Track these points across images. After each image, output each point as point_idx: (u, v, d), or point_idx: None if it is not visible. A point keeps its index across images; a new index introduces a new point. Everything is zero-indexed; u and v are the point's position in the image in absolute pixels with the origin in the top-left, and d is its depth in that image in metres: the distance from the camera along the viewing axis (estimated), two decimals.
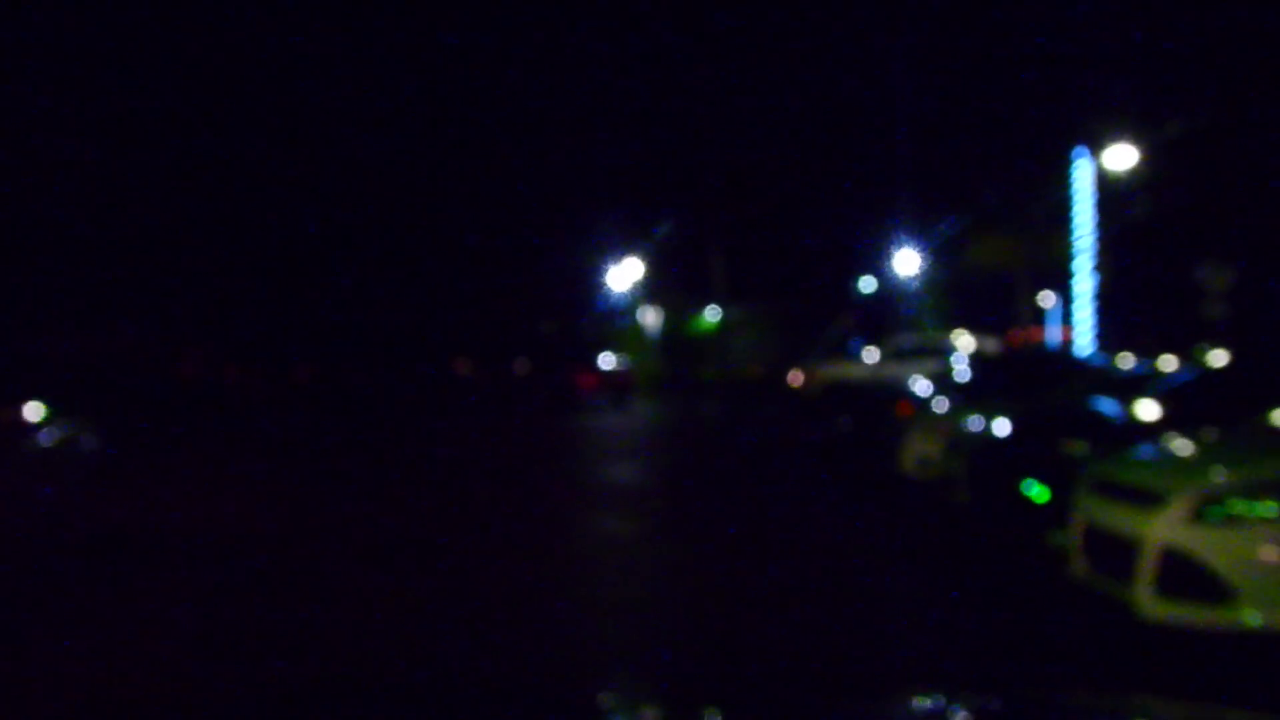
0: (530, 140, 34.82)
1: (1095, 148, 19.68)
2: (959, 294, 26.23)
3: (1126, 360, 14.26)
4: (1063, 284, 22.70)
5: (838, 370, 22.53)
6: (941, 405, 12.12)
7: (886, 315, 30.48)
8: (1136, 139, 19.48)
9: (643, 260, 33.97)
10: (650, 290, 36.02)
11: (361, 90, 31.05)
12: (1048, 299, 36.09)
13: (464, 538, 8.14)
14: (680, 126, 33.39)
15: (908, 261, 26.57)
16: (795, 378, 22.47)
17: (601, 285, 34.32)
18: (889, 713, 2.13)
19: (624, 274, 33.53)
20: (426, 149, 32.24)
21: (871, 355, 22.56)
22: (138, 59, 26.86)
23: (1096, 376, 11.38)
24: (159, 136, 27.00)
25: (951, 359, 22.25)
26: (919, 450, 10.58)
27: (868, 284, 33.64)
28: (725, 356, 34.63)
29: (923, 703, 2.23)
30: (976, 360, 18.53)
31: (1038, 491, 7.02)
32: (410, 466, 13.20)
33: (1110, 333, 20.56)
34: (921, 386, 15.37)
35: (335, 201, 27.11)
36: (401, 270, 29.47)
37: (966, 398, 12.61)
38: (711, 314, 47.08)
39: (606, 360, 26.78)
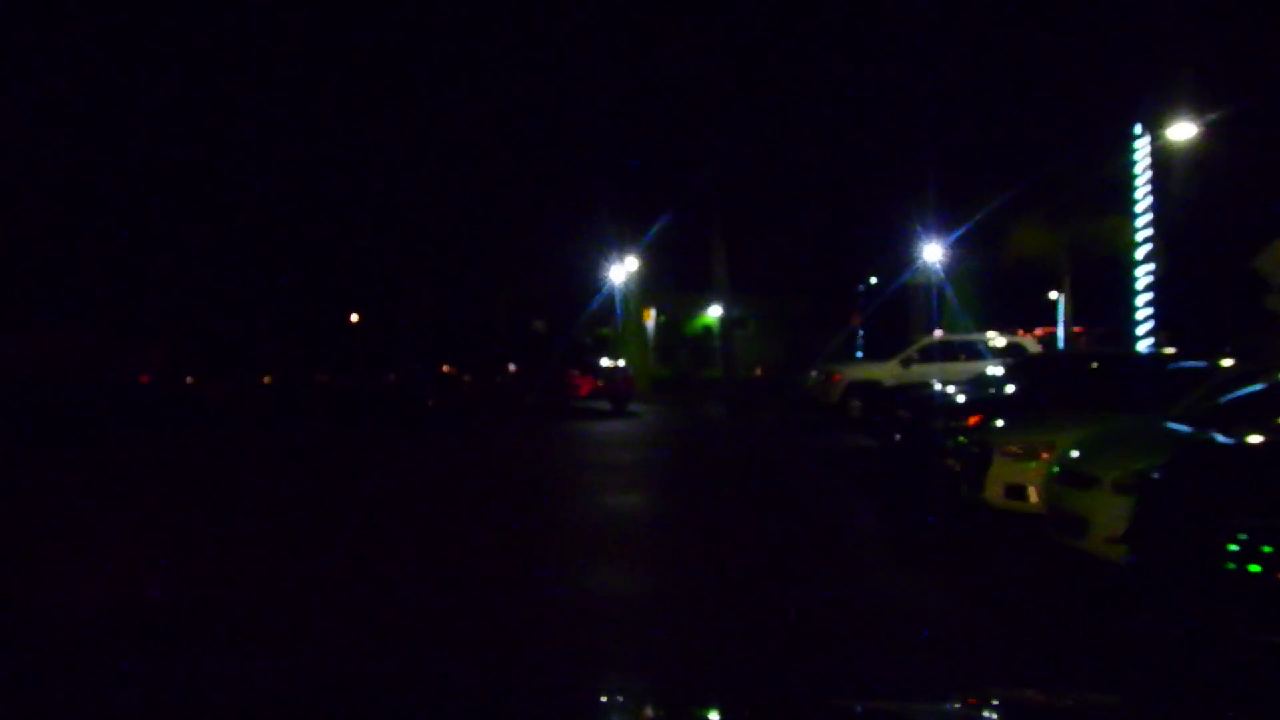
0: (520, 129, 32.51)
1: (1153, 125, 17.60)
2: (991, 288, 24.13)
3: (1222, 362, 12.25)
4: (1111, 274, 20.66)
5: (861, 372, 20.52)
6: (1018, 417, 10.08)
7: (909, 312, 28.46)
8: (1196, 115, 17.46)
9: (640, 254, 31.74)
10: (649, 286, 33.84)
11: (335, 75, 28.89)
12: (1059, 294, 34.26)
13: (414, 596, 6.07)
14: (681, 109, 30.99)
15: (934, 254, 24.46)
16: (826, 380, 20.37)
17: (597, 281, 32.09)
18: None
19: (621, 269, 31.31)
20: (409, 136, 30.00)
21: (898, 355, 20.49)
22: (91, 51, 24.77)
23: (1218, 382, 9.31)
24: (114, 131, 24.87)
25: (989, 360, 20.31)
26: (1013, 476, 8.51)
27: (885, 279, 31.58)
28: (729, 356, 32.57)
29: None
30: (1029, 362, 16.48)
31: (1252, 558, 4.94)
32: (375, 493, 11.07)
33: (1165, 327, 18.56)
34: (976, 391, 13.39)
35: (306, 194, 24.93)
36: (377, 265, 27.19)
37: (1043, 409, 10.62)
38: (714, 311, 45.06)
39: (604, 360, 24.60)
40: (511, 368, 23.42)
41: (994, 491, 8.64)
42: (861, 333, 45.59)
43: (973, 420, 10.54)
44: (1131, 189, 18.26)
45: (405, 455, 14.91)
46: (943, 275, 24.46)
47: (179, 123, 25.95)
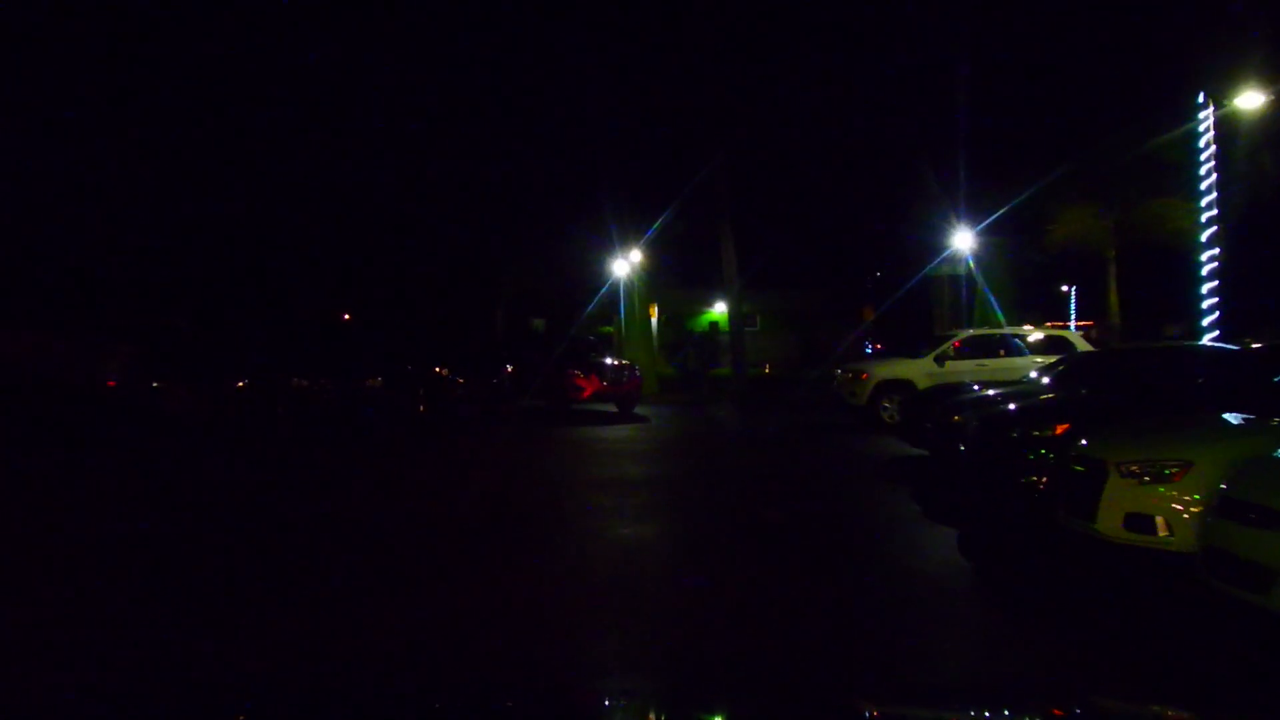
0: (520, 119, 30.67)
1: (1218, 93, 15.79)
2: (1032, 278, 22.29)
3: None
4: (1166, 259, 18.90)
5: (892, 370, 18.74)
6: (1129, 427, 8.28)
7: (932, 305, 26.64)
8: (1267, 83, 15.66)
9: (644, 247, 29.90)
10: (653, 281, 32.02)
11: (321, 59, 27.09)
12: (1067, 287, 32.35)
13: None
14: (685, 97, 29.15)
15: (964, 241, 22.60)
16: (853, 379, 18.59)
17: (600, 276, 30.24)
18: None
19: (625, 263, 29.49)
20: (401, 124, 28.18)
21: (931, 351, 18.70)
22: (56, 48, 23.04)
23: None
24: (79, 127, 23.12)
25: (1031, 356, 18.53)
26: (1137, 503, 6.72)
27: (903, 271, 29.71)
28: (740, 353, 30.75)
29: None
30: (1094, 359, 14.68)
31: None
32: (344, 518, 9.30)
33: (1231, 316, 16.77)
34: (1039, 392, 11.61)
35: (287, 185, 23.13)
36: (364, 261, 25.34)
37: (1160, 415, 8.82)
38: (719, 308, 43.23)
39: (609, 359, 22.81)
40: (508, 368, 21.62)
41: (1110, 521, 6.84)
42: (864, 328, 44.10)
43: (1060, 428, 8.76)
44: (1194, 165, 16.47)
45: (383, 470, 13.12)
46: (973, 265, 22.58)
47: (147, 116, 24.21)
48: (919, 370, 18.32)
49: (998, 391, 12.04)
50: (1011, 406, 9.99)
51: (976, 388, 13.34)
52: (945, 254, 23.30)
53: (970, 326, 22.69)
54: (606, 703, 2.41)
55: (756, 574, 7.05)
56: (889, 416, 18.11)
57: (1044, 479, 8.57)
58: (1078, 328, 30.41)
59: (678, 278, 38.36)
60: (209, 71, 25.41)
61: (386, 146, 26.21)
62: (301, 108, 26.45)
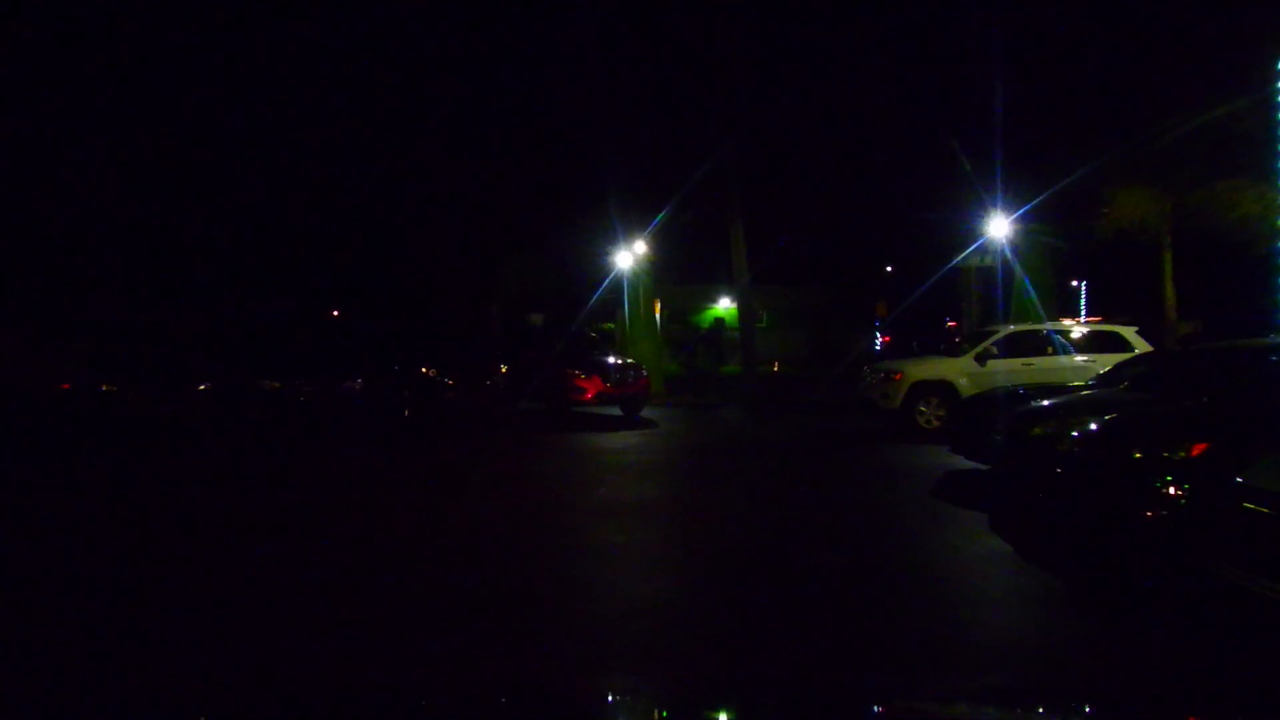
0: (517, 104, 28.73)
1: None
2: (1078, 267, 20.34)
3: None
4: (1221, 248, 17.01)
5: (928, 369, 16.90)
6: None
7: (959, 299, 24.73)
8: None
9: (650, 239, 27.96)
10: (658, 275, 30.11)
11: (304, 44, 25.17)
12: (1079, 283, 30.39)
13: None
14: (690, 77, 27.27)
15: (1000, 229, 20.65)
16: (884, 380, 16.71)
17: (602, 269, 28.28)
18: None
19: (629, 254, 27.58)
20: (387, 108, 26.26)
21: (972, 349, 16.83)
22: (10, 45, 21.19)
23: None
24: (35, 117, 21.25)
25: (1087, 355, 16.69)
26: None
27: (923, 263, 27.79)
28: (750, 351, 28.87)
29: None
30: (1191, 361, 12.77)
31: None
32: (308, 544, 7.43)
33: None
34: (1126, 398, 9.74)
35: (259, 171, 21.23)
36: (345, 253, 23.41)
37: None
38: (724, 303, 41.34)
39: (612, 358, 20.94)
40: (503, 368, 19.75)
41: None
42: (881, 325, 42.23)
43: (1196, 448, 6.90)
44: (1270, 140, 14.59)
45: (341, 487, 11.24)
46: (1009, 254, 20.62)
47: (116, 103, 22.32)
48: (958, 370, 16.47)
49: (1078, 398, 10.18)
50: (1120, 419, 8.07)
51: (1082, 394, 11.53)
52: (979, 242, 21.33)
53: (1004, 322, 20.81)
54: None
55: (815, 657, 5.18)
56: (926, 421, 16.29)
57: (1178, 513, 6.72)
58: (1086, 323, 28.65)
59: (680, 273, 36.46)
60: (187, 58, 23.59)
61: (374, 131, 24.30)
62: (282, 89, 24.57)
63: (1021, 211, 19.66)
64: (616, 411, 19.83)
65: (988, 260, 23.53)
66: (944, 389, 16.35)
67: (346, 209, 24.40)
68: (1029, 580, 6.66)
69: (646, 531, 8.53)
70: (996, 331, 17.02)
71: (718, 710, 2.36)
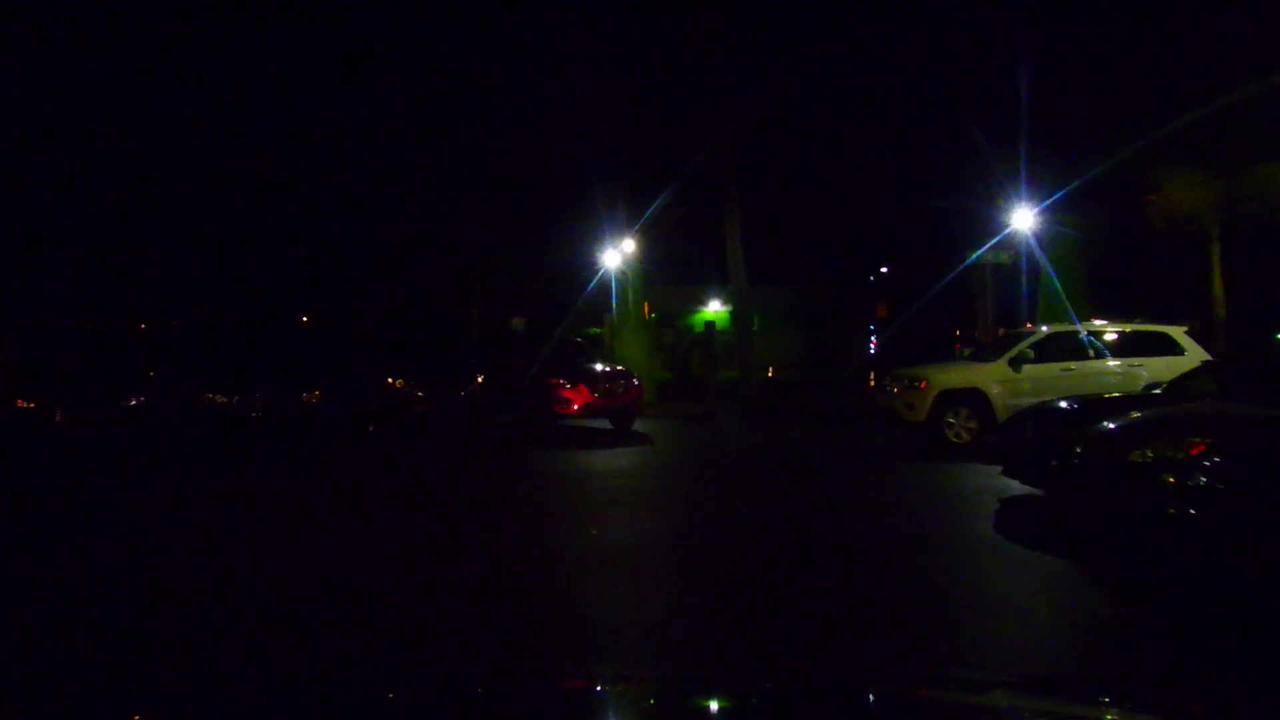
0: (500, 87, 26.78)
1: None
2: (1103, 265, 18.53)
3: None
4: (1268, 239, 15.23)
5: (957, 377, 15.11)
6: None
7: (975, 299, 22.92)
8: None
9: (639, 237, 26.02)
10: (647, 276, 28.21)
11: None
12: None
13: None
14: (689, 56, 25.45)
15: (1024, 221, 18.80)
16: (907, 388, 14.85)
17: (589, 269, 26.33)
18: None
19: (617, 253, 25.66)
20: (353, 94, 24.27)
21: (1006, 354, 14.99)
22: None
23: None
24: None
25: (1122, 360, 14.92)
26: None
27: (929, 262, 26.03)
28: (747, 356, 27.07)
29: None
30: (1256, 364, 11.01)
31: None
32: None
33: None
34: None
35: (205, 161, 19.23)
36: (303, 252, 21.36)
37: None
38: (713, 306, 39.45)
39: (600, 365, 19.06)
40: (479, 378, 17.85)
41: None
42: (872, 327, 40.46)
43: None
44: None
45: (268, 518, 9.30)
46: (1036, 248, 18.78)
47: (47, 90, 20.31)
48: (990, 377, 14.64)
49: (1177, 412, 8.35)
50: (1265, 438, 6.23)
51: (1118, 406, 9.74)
52: (1004, 234, 19.48)
53: (1030, 322, 19.04)
54: None
55: None
56: (955, 435, 14.45)
57: None
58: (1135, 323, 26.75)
59: (669, 274, 34.55)
60: (142, 45, 21.62)
61: (338, 113, 22.26)
62: (243, 74, 22.59)
63: (1050, 201, 17.82)
64: (606, 425, 17.97)
65: (1004, 257, 21.77)
66: (975, 398, 14.52)
67: (309, 201, 22.36)
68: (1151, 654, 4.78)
69: (658, 591, 6.64)
70: (1033, 333, 15.19)
71: None
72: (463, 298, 26.07)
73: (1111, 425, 8.21)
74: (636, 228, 25.50)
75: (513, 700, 2.02)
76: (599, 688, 2.27)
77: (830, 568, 7.41)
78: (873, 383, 26.59)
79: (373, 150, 22.36)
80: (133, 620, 6.07)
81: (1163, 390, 10.86)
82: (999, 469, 11.95)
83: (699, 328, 35.73)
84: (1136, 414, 8.55)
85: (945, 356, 20.52)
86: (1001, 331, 17.58)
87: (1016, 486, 10.10)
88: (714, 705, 2.12)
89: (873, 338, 40.42)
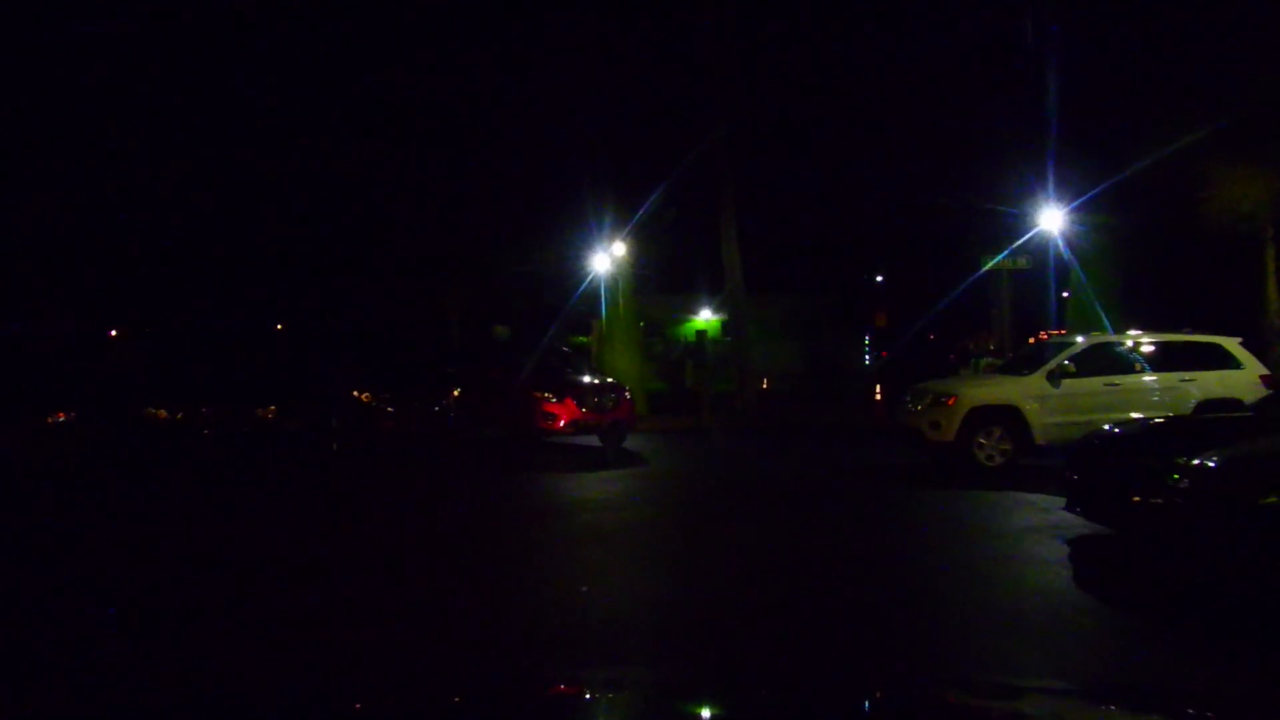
0: (484, 83, 25.18)
1: None
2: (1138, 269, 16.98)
3: None
4: None
5: (988, 392, 13.59)
6: None
7: (990, 306, 21.39)
8: None
9: (629, 239, 24.39)
10: (641, 279, 26.59)
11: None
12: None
13: None
14: (679, 47, 23.99)
15: (1053, 221, 17.23)
16: (934, 404, 13.28)
17: (576, 274, 24.68)
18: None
19: (606, 257, 24.04)
20: (320, 84, 22.62)
21: (1042, 367, 13.43)
22: None
23: None
24: None
25: (1171, 374, 13.42)
26: None
27: (939, 269, 24.56)
28: (745, 366, 25.54)
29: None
30: None
31: None
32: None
33: None
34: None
35: (143, 150, 17.52)
36: (261, 253, 19.60)
37: None
38: (708, 314, 37.83)
39: (589, 377, 17.44)
40: (455, 391, 16.21)
41: None
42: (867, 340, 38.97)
43: None
44: None
45: (222, 564, 7.64)
46: (1066, 252, 17.22)
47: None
48: (1026, 392, 13.10)
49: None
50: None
51: (1200, 430, 8.25)
52: (1027, 235, 17.95)
53: (1047, 331, 17.56)
54: None
55: None
56: (987, 458, 12.92)
57: None
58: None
59: (657, 282, 32.96)
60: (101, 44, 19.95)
61: (306, 106, 20.59)
62: (202, 71, 20.95)
63: (1083, 199, 16.29)
64: (594, 442, 16.35)
65: (1022, 262, 20.31)
66: (1009, 416, 12.98)
67: (269, 194, 20.61)
68: None
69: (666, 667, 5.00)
70: (1071, 343, 13.64)
71: None
72: (441, 303, 24.35)
73: (1222, 458, 6.66)
74: (628, 229, 23.91)
75: None
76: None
77: (874, 643, 5.79)
78: (879, 396, 25.16)
79: (338, 139, 20.66)
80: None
81: (1253, 411, 9.34)
82: (1042, 498, 10.53)
83: (689, 337, 34.22)
84: (1246, 444, 7.02)
85: (948, 369, 19.08)
86: (1031, 341, 16.01)
87: (1073, 519, 8.58)
88: None
89: (869, 347, 39.00)
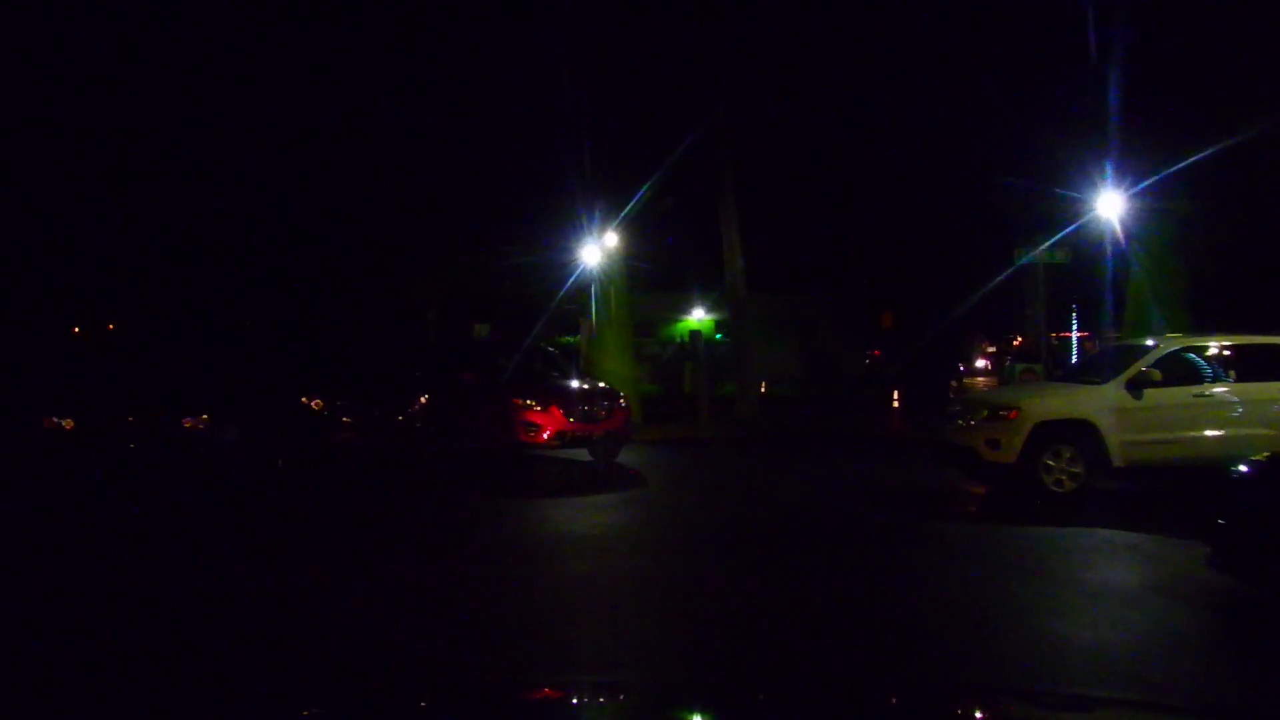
0: (464, 60, 23.11)
1: None
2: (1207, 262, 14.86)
3: None
4: None
5: (1058, 404, 11.47)
6: None
7: (1026, 306, 19.25)
8: None
9: (621, 230, 22.17)
10: (634, 273, 24.36)
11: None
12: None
13: None
14: (676, 24, 21.97)
15: (1111, 208, 15.05)
16: (991, 418, 11.11)
17: (564, 267, 22.44)
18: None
19: (597, 250, 21.80)
20: (288, 66, 20.43)
21: (1122, 374, 11.28)
22: None
23: None
24: None
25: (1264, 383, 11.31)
26: None
27: (962, 263, 22.46)
28: (746, 369, 23.45)
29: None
30: None
31: None
32: None
33: None
34: None
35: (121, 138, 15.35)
36: (202, 239, 17.33)
37: None
38: (701, 313, 35.68)
39: (578, 381, 15.26)
40: (424, 398, 14.00)
41: None
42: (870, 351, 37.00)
43: None
44: None
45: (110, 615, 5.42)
46: (1128, 242, 15.03)
47: None
48: (1102, 404, 10.95)
49: None
50: None
51: None
52: (1078, 223, 15.80)
53: (1117, 332, 15.45)
54: None
55: None
56: (1055, 482, 10.76)
57: None
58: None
59: (648, 279, 30.83)
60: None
61: (278, 90, 18.39)
62: (168, 70, 18.73)
63: (1141, 186, 14.16)
64: (584, 455, 14.17)
65: (1060, 256, 18.21)
66: (1082, 433, 10.83)
67: (234, 185, 18.41)
68: None
69: None
70: (1153, 349, 11.46)
71: None
72: (416, 298, 22.11)
73: None
74: (620, 219, 21.71)
75: None
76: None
77: None
78: (897, 403, 23.08)
79: (305, 122, 18.45)
80: None
81: None
82: (1144, 538, 8.45)
83: (682, 337, 32.19)
84: None
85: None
86: (1090, 346, 13.87)
87: (1217, 580, 6.46)
88: None
89: (869, 351, 37.17)
